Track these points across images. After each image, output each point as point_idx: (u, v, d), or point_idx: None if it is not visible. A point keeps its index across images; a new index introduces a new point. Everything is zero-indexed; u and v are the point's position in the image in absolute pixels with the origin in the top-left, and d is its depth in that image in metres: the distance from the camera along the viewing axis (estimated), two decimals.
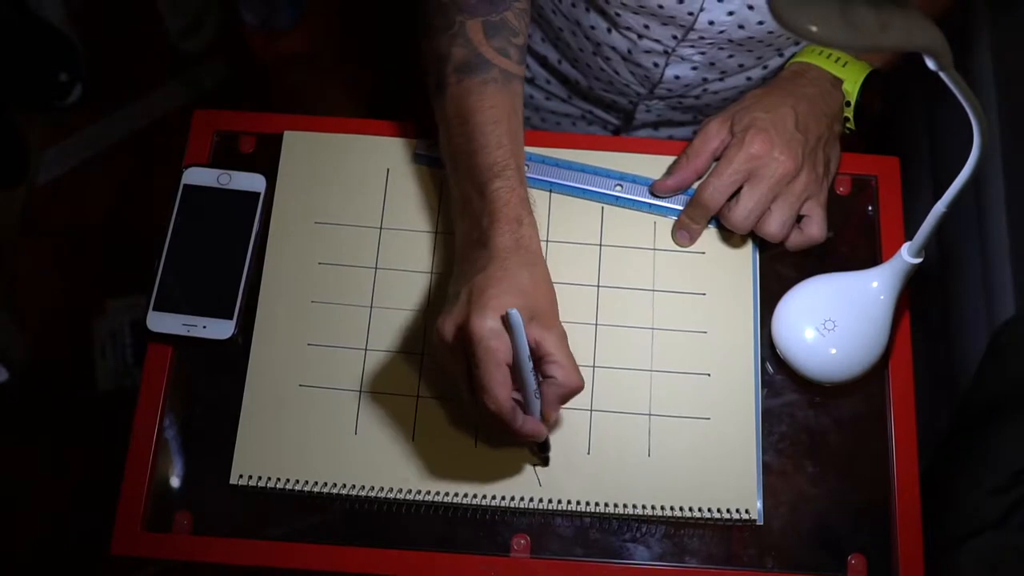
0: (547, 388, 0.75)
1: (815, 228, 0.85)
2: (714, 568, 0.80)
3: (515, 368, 0.73)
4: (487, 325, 0.72)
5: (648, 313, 0.87)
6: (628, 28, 0.92)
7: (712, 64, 0.93)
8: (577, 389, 0.75)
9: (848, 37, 0.58)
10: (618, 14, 0.90)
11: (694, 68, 0.94)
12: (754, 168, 0.83)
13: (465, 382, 0.75)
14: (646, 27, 0.90)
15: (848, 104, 0.88)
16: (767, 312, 0.86)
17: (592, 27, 0.95)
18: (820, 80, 0.87)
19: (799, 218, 0.86)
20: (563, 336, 0.76)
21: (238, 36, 1.95)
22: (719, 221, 0.88)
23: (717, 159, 0.86)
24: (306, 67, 1.94)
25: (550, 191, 0.90)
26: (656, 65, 0.95)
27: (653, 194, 0.89)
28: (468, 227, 0.80)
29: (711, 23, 0.87)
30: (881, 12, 0.58)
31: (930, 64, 0.60)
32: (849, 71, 0.88)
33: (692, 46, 0.91)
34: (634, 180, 0.90)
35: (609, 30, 0.94)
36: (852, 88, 0.88)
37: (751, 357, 0.85)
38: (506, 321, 0.71)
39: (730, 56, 0.92)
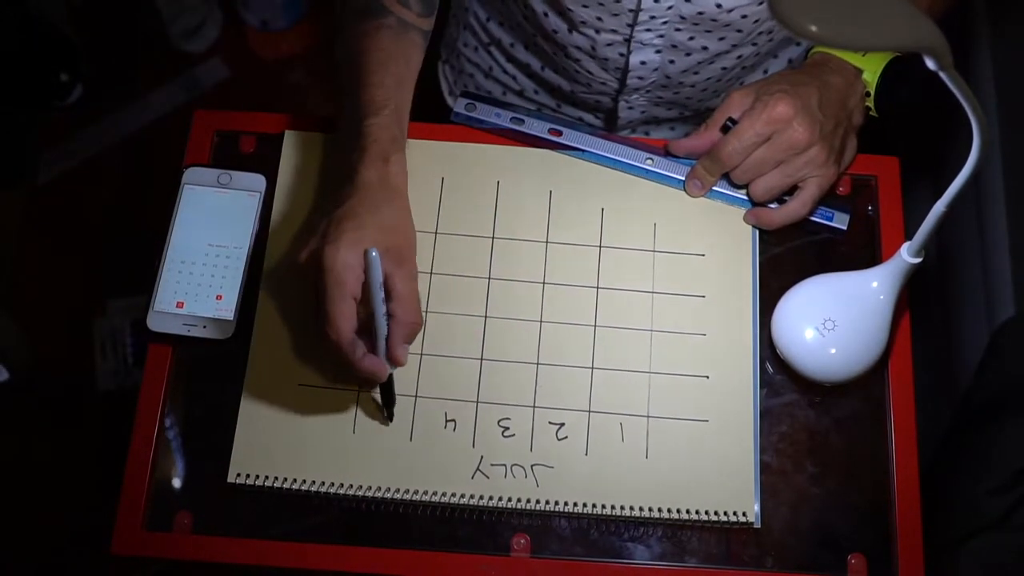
0: (392, 326, 0.76)
1: (797, 202, 0.87)
2: (714, 568, 0.80)
3: (367, 306, 0.73)
4: (340, 257, 0.73)
5: (647, 315, 0.87)
6: (584, 23, 0.92)
7: (674, 47, 0.94)
8: (416, 326, 0.77)
9: (848, 37, 0.58)
10: (570, 9, 0.91)
11: (657, 51, 0.94)
12: (773, 132, 0.84)
13: (313, 310, 0.76)
14: (599, 19, 0.91)
15: (868, 94, 0.88)
16: (767, 312, 0.86)
17: (555, 31, 0.96)
18: (843, 70, 0.88)
19: (792, 190, 0.87)
20: (413, 275, 0.77)
21: (238, 36, 1.95)
22: (718, 222, 0.88)
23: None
24: (306, 67, 1.95)
25: (582, 159, 0.92)
26: (621, 55, 0.95)
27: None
28: (338, 162, 0.82)
29: (656, 0, 0.88)
30: (881, 12, 0.58)
31: (930, 64, 0.60)
32: (869, 60, 0.88)
33: (648, 29, 0.91)
34: (665, 155, 0.91)
35: (569, 30, 0.95)
36: (872, 78, 0.88)
37: (750, 360, 0.85)
38: (364, 258, 0.72)
39: (691, 38, 0.92)
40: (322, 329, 0.75)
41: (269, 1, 1.89)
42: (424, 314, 0.86)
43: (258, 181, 0.91)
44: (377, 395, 0.83)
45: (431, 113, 1.03)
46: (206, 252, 0.88)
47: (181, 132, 0.93)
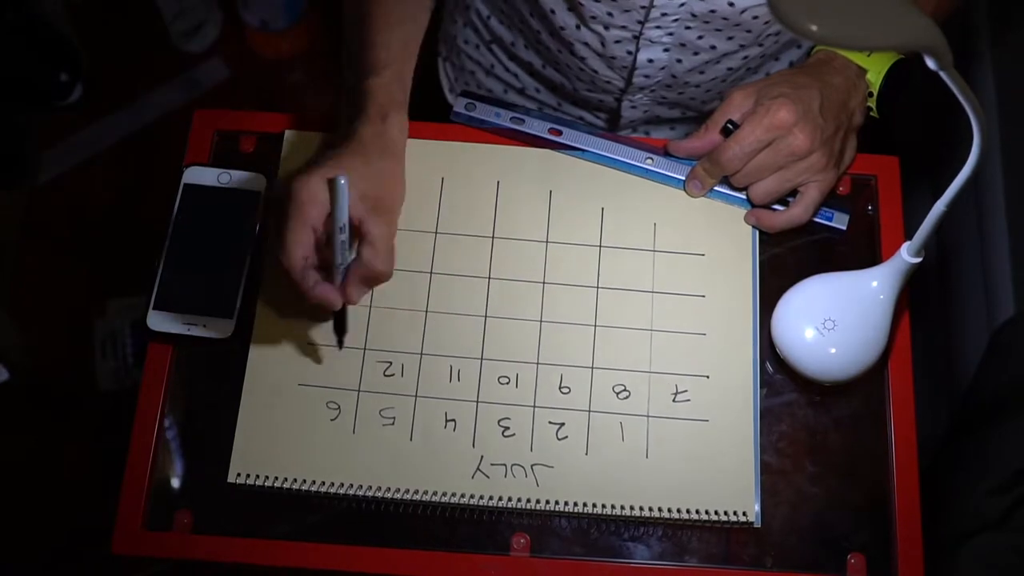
0: (354, 265, 0.78)
1: (799, 207, 0.87)
2: (714, 567, 0.80)
3: (328, 234, 0.75)
4: (307, 186, 0.75)
5: (647, 315, 0.87)
6: (594, 18, 0.92)
7: (683, 45, 0.94)
8: (381, 275, 0.79)
9: (848, 36, 0.58)
10: (582, 4, 0.91)
11: (666, 50, 0.94)
12: (774, 138, 0.84)
13: (274, 237, 0.78)
14: (610, 15, 0.91)
15: (871, 95, 0.88)
16: (767, 312, 0.86)
17: (562, 27, 0.96)
18: (846, 69, 0.88)
19: (794, 192, 0.87)
20: (392, 230, 0.79)
21: (238, 36, 1.95)
22: (718, 222, 0.88)
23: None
24: (306, 67, 1.95)
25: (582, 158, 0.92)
26: (629, 53, 0.95)
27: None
28: (342, 118, 0.83)
29: None
30: (881, 12, 0.58)
31: (930, 64, 0.60)
32: (874, 61, 0.88)
33: (658, 26, 0.91)
34: (665, 154, 0.91)
35: (578, 27, 0.94)
36: (876, 79, 0.88)
37: (750, 360, 0.85)
38: (331, 186, 0.73)
39: (700, 37, 0.92)
40: (275, 253, 0.77)
41: (269, 1, 1.89)
42: (424, 313, 0.87)
43: (258, 181, 0.91)
44: (331, 323, 0.84)
45: (432, 110, 1.03)
46: (206, 252, 0.88)
47: (181, 132, 0.93)
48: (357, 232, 0.78)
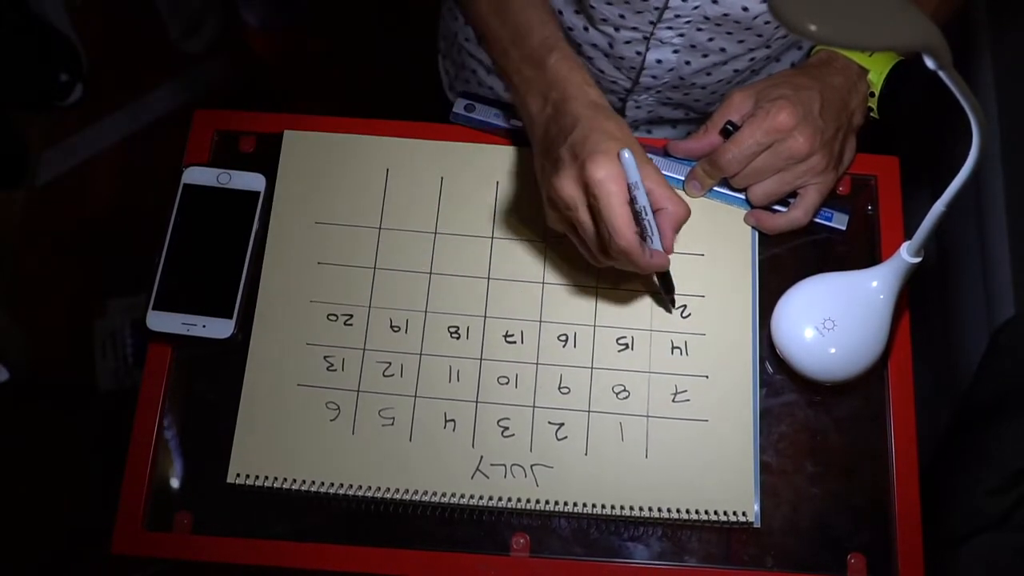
0: (662, 219, 0.78)
1: (799, 210, 0.87)
2: (714, 567, 0.80)
3: (633, 205, 0.76)
4: (604, 169, 0.75)
5: (647, 315, 0.87)
6: (604, 20, 0.92)
7: (693, 47, 0.94)
8: (687, 215, 0.79)
9: (847, 36, 0.58)
10: (593, 7, 0.91)
11: (675, 51, 0.94)
12: (774, 141, 0.84)
13: (591, 231, 0.78)
14: (622, 17, 0.91)
15: (872, 95, 0.88)
16: (767, 312, 0.86)
17: (570, 28, 0.96)
18: (847, 70, 0.88)
19: (794, 194, 0.87)
20: (659, 170, 0.79)
21: (238, 36, 1.95)
22: (718, 222, 0.87)
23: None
24: (305, 67, 1.95)
25: None
26: (638, 53, 0.95)
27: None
28: (539, 106, 0.83)
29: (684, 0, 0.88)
30: (880, 11, 0.58)
31: (929, 64, 0.60)
32: (875, 62, 0.88)
33: (670, 27, 0.91)
34: (666, 156, 0.91)
35: (586, 28, 0.94)
36: (877, 79, 0.88)
37: (749, 360, 0.85)
38: (620, 162, 0.75)
39: (710, 39, 0.92)
40: (609, 240, 0.76)
41: (269, 1, 1.89)
42: (424, 314, 0.87)
43: (258, 181, 0.91)
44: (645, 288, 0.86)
45: (431, 107, 1.03)
46: (206, 252, 0.88)
47: (181, 132, 0.93)
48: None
